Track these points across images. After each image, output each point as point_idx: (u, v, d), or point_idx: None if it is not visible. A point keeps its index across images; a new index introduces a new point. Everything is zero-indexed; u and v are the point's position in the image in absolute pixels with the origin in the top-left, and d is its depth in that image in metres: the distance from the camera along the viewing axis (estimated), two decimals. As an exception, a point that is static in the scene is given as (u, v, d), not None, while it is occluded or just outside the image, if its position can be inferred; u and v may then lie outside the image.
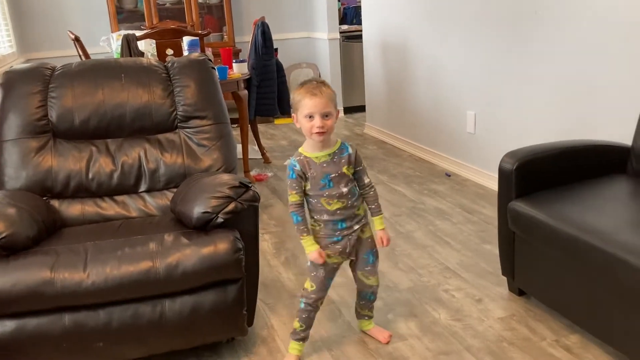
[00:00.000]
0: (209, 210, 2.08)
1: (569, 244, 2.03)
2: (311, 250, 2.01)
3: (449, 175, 4.09)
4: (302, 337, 2.12)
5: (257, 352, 2.22)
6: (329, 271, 2.07)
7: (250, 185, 2.18)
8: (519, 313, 2.35)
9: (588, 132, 2.94)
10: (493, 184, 3.74)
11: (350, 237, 2.05)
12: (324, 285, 2.08)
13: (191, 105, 2.60)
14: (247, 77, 4.24)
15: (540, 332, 2.21)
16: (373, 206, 2.11)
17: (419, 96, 4.54)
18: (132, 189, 2.51)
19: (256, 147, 4.87)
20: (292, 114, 2.01)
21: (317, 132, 1.93)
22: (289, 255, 3.01)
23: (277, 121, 6.23)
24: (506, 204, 2.36)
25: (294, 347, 2.13)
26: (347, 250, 2.06)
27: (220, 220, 2.09)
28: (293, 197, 2.01)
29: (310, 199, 2.02)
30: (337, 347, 2.22)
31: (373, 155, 4.77)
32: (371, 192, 2.10)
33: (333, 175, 1.99)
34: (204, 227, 2.10)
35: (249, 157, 4.48)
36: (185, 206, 2.17)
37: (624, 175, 2.41)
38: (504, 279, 2.56)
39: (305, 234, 2.00)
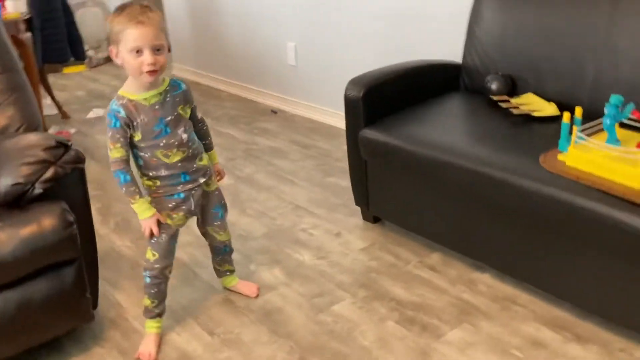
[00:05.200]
0: (20, 180, 1.65)
1: (427, 165, 2.01)
2: (146, 216, 1.69)
3: (275, 112, 3.93)
4: (157, 313, 1.84)
5: (108, 337, 1.89)
6: (173, 234, 1.78)
7: (69, 143, 1.78)
8: (378, 241, 2.33)
9: (414, 54, 2.96)
10: (321, 117, 3.68)
11: (194, 192, 1.78)
12: (169, 250, 1.79)
13: (-33, 51, 2.03)
14: (27, 17, 3.53)
15: (404, 256, 2.22)
16: (207, 140, 1.87)
17: (232, 30, 4.24)
18: None
19: (49, 101, 4.18)
20: (110, 48, 1.62)
21: (148, 71, 1.59)
22: (120, 220, 2.63)
23: (65, 70, 5.43)
24: (355, 133, 2.27)
25: (151, 326, 1.84)
26: (193, 208, 1.79)
27: (38, 191, 1.67)
28: (117, 152, 1.64)
29: (142, 153, 1.68)
30: (203, 312, 1.99)
31: (189, 98, 4.40)
32: (205, 127, 1.87)
33: (169, 118, 1.68)
34: (17, 203, 1.67)
35: (44, 113, 3.82)
36: (-14, 179, 1.70)
37: (458, 92, 2.47)
38: (357, 209, 2.52)
39: (137, 196, 1.66)
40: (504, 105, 2.15)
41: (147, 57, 1.57)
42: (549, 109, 2.06)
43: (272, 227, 2.49)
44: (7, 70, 2.10)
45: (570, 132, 1.74)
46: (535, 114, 2.05)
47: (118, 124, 1.62)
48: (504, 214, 1.88)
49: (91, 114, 4.15)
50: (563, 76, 2.15)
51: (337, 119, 3.54)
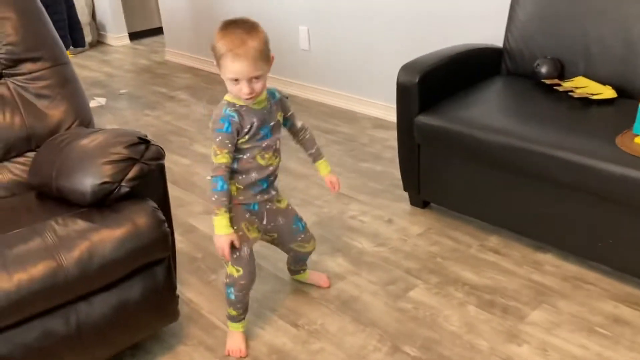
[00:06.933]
0: (107, 179, 1.59)
1: (493, 150, 2.04)
2: (223, 233, 1.62)
3: (286, 97, 3.88)
4: (243, 317, 1.82)
5: (190, 335, 1.86)
6: (252, 246, 1.75)
7: (149, 139, 1.73)
8: (433, 226, 2.36)
9: (435, 38, 2.98)
10: (336, 101, 3.67)
11: (267, 205, 1.77)
12: (252, 264, 1.74)
13: (18, 45, 1.93)
14: (30, 3, 3.37)
15: (463, 240, 2.25)
16: (313, 150, 1.86)
17: (235, 12, 4.13)
18: (-44, 167, 1.82)
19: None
20: (214, 61, 1.61)
21: (246, 98, 1.60)
22: (161, 213, 2.57)
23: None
24: (409, 119, 2.28)
25: (236, 326, 1.81)
26: (264, 222, 1.77)
27: (125, 189, 1.62)
28: (223, 158, 1.61)
29: (240, 155, 1.66)
30: (279, 304, 1.98)
31: (191, 84, 4.31)
32: (307, 135, 1.85)
33: (272, 123, 1.70)
34: (103, 202, 1.61)
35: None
36: (69, 179, 1.63)
37: (501, 76, 2.50)
38: (401, 194, 2.54)
39: (224, 209, 1.62)
40: (559, 88, 2.19)
41: (244, 87, 1.57)
42: (607, 91, 2.12)
43: (321, 216, 2.49)
44: (58, 63, 2.01)
45: (646, 116, 1.80)
46: (594, 97, 2.10)
47: (230, 129, 1.60)
48: (573, 196, 1.93)
49: (93, 103, 4.01)
50: (613, 59, 2.20)
51: (354, 103, 3.54)
